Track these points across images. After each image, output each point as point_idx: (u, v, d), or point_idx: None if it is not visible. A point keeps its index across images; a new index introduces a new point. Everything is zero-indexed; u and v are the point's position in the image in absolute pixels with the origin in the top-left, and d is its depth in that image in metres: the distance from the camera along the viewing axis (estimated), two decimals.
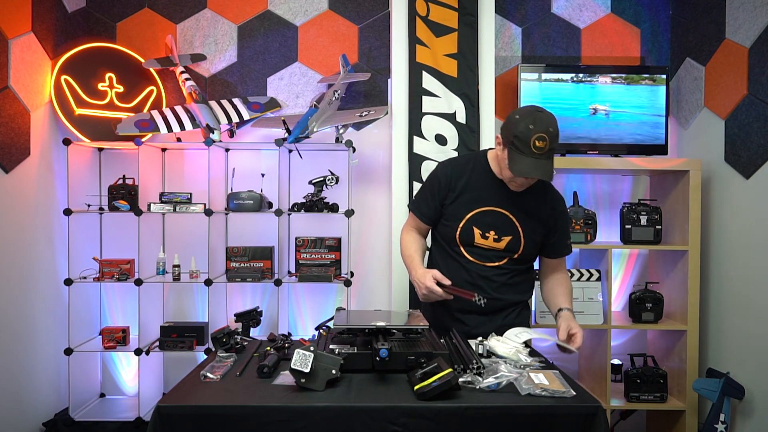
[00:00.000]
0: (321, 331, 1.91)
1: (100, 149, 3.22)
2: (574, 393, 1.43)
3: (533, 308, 2.90)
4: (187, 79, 3.11)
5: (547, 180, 1.82)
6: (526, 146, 1.75)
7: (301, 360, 1.44)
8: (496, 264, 1.99)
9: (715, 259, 2.92)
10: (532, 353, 1.76)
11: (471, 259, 1.99)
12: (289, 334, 1.90)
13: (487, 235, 1.96)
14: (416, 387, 1.41)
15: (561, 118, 3.05)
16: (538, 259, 2.13)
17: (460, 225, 1.97)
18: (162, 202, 2.99)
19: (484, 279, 1.99)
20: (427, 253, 2.19)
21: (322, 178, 2.98)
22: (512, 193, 1.94)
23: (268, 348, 1.71)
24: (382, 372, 1.57)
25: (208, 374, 1.59)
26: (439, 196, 2.02)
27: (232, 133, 3.12)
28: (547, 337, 2.00)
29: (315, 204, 2.97)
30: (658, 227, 2.90)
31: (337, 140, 2.99)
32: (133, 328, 3.11)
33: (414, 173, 2.92)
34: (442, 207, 2.02)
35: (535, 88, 3.07)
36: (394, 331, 1.70)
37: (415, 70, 2.93)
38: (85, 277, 3.00)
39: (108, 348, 3.02)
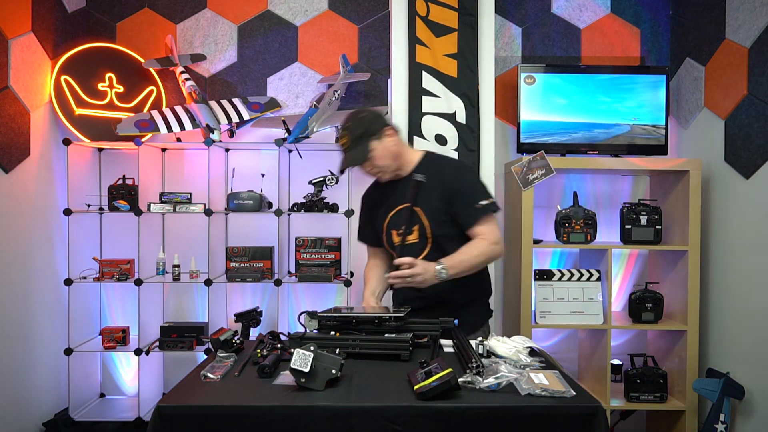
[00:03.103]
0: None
1: (100, 149, 3.22)
2: (574, 393, 1.43)
3: (533, 308, 2.90)
4: (187, 79, 3.11)
5: (354, 165, 2.03)
6: (339, 147, 2.08)
7: (301, 360, 1.44)
8: (422, 257, 2.02)
9: (715, 259, 2.92)
10: (532, 353, 1.76)
11: None
12: (280, 334, 1.88)
13: (399, 232, 2.05)
14: (416, 387, 1.41)
15: (561, 117, 3.07)
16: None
17: (384, 232, 2.13)
18: (162, 202, 2.99)
19: None
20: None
21: (322, 178, 2.98)
22: (413, 188, 2.00)
23: (258, 352, 1.70)
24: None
25: (208, 374, 1.58)
26: (368, 218, 2.19)
27: (232, 133, 3.12)
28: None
29: (315, 204, 2.97)
30: (658, 227, 2.90)
31: (337, 140, 2.99)
32: (133, 328, 3.12)
33: None
34: (373, 225, 2.16)
35: (535, 88, 3.07)
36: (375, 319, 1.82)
37: (415, 70, 2.93)
38: (85, 277, 3.00)
39: (108, 348, 3.02)
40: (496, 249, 2.00)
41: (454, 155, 2.90)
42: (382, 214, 2.12)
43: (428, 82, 2.92)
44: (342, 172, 2.11)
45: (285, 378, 1.55)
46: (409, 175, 2.08)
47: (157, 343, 3.01)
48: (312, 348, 1.47)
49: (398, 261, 1.91)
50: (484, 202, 1.99)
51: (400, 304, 2.12)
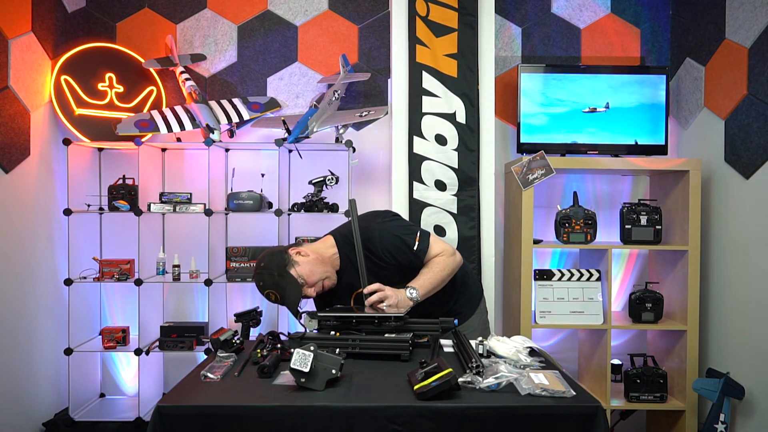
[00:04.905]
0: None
1: (100, 149, 3.22)
2: (574, 393, 1.44)
3: (533, 308, 2.91)
4: (187, 79, 3.11)
5: (299, 301, 1.97)
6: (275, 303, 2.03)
7: (301, 360, 1.44)
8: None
9: (715, 259, 2.92)
10: (532, 353, 1.77)
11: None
12: (280, 334, 1.89)
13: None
14: (416, 387, 1.41)
15: (561, 118, 3.07)
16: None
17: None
18: (162, 202, 2.99)
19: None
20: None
21: (322, 178, 2.98)
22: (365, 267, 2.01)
23: (258, 352, 1.70)
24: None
25: (208, 374, 1.59)
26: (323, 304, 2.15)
27: (232, 133, 3.12)
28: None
29: (315, 204, 2.97)
30: (658, 227, 2.90)
31: (337, 140, 3.00)
32: (133, 328, 3.11)
33: (414, 173, 2.92)
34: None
35: (535, 88, 3.07)
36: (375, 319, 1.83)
37: (415, 70, 2.93)
38: (85, 277, 3.00)
39: (108, 348, 3.02)
40: (456, 258, 2.11)
41: (454, 155, 2.90)
42: (342, 297, 2.11)
43: (428, 82, 2.92)
44: (299, 315, 1.98)
45: (285, 378, 1.55)
46: (341, 268, 2.09)
47: (157, 343, 3.01)
48: (312, 348, 1.47)
49: (367, 290, 1.94)
50: (416, 243, 2.05)
51: None
